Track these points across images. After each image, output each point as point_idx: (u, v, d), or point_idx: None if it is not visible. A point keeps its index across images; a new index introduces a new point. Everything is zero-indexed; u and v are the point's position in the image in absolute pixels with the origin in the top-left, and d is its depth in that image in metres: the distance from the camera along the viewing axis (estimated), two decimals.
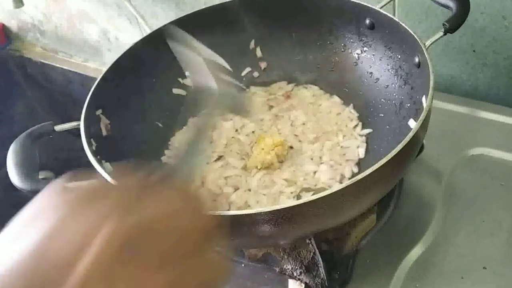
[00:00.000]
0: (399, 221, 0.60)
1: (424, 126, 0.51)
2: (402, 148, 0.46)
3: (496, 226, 0.58)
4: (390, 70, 0.68)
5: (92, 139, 0.57)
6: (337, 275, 0.54)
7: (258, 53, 0.76)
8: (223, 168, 0.64)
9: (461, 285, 0.54)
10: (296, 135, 0.68)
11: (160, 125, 0.71)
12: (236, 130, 0.69)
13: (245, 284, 0.57)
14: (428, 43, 0.57)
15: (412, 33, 0.58)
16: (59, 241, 0.19)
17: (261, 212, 0.44)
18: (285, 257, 0.56)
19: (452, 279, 0.54)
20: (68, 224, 0.19)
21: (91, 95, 0.61)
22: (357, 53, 0.72)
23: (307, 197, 0.44)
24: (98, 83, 0.62)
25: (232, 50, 0.75)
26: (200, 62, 0.35)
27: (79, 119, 0.58)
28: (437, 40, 0.57)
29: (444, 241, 0.57)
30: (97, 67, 1.17)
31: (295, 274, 0.55)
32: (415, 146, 0.52)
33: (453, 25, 0.57)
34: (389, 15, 0.63)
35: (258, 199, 0.60)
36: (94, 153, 0.53)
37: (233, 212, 0.49)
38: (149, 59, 0.70)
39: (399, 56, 0.65)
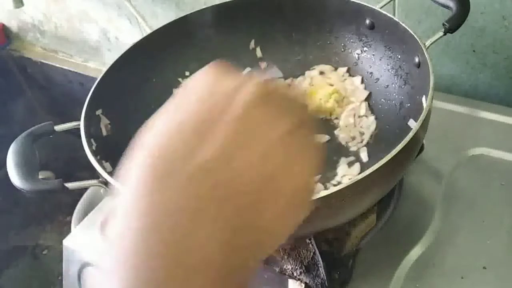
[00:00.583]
0: (399, 221, 0.60)
1: (424, 126, 0.51)
2: (402, 148, 0.46)
3: (496, 226, 0.58)
4: (390, 70, 0.68)
5: (92, 139, 0.57)
6: (337, 275, 0.54)
7: (258, 53, 0.76)
8: None
9: (461, 285, 0.54)
10: None
11: None
12: None
13: None
14: (428, 43, 0.57)
15: (412, 33, 0.58)
16: (218, 88, 0.25)
17: None
18: (285, 257, 0.56)
19: (452, 279, 0.54)
20: (221, 80, 0.26)
21: (91, 95, 0.61)
22: (357, 53, 0.72)
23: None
24: (98, 83, 0.62)
25: (232, 50, 0.75)
26: None
27: (79, 119, 0.58)
28: (437, 40, 0.57)
29: (444, 241, 0.57)
30: (97, 67, 1.17)
31: (295, 274, 0.55)
32: (415, 146, 0.52)
33: (453, 25, 0.57)
34: (389, 15, 0.63)
35: None
36: (94, 153, 0.53)
37: None
38: (149, 59, 0.70)
39: (399, 56, 0.65)
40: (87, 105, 0.59)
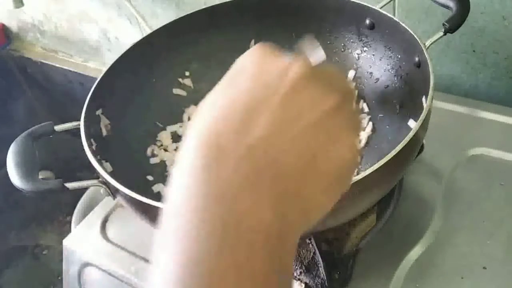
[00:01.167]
0: (399, 221, 0.60)
1: (424, 126, 0.51)
2: (402, 148, 0.46)
3: (496, 226, 0.58)
4: (390, 70, 0.68)
5: (92, 139, 0.57)
6: (337, 275, 0.54)
7: None
8: None
9: (461, 285, 0.54)
10: None
11: (160, 125, 0.71)
12: None
13: None
14: (428, 43, 0.57)
15: (412, 33, 0.58)
16: (268, 68, 0.27)
17: None
18: None
19: (452, 279, 0.54)
20: (270, 60, 0.28)
21: (91, 95, 0.61)
22: (357, 53, 0.72)
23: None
24: (98, 83, 0.62)
25: (232, 50, 0.75)
26: None
27: (79, 119, 0.58)
28: (437, 40, 0.57)
29: (444, 241, 0.58)
30: (97, 67, 1.17)
31: (295, 274, 0.55)
32: (415, 146, 0.52)
33: (453, 25, 0.57)
34: (389, 15, 0.63)
35: None
36: (94, 153, 0.53)
37: None
38: (150, 59, 0.70)
39: (399, 56, 0.65)
40: (87, 105, 0.59)
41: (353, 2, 0.67)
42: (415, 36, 0.58)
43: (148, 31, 0.71)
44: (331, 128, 0.27)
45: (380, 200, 0.54)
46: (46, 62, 1.25)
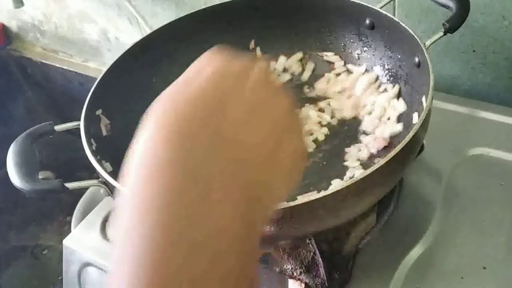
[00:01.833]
0: (399, 221, 0.60)
1: (424, 126, 0.51)
2: (402, 148, 0.46)
3: (496, 226, 0.58)
4: (390, 70, 0.68)
5: (92, 139, 0.57)
6: (337, 275, 0.54)
7: (258, 53, 0.76)
8: None
9: (461, 285, 0.54)
10: None
11: None
12: None
13: None
14: (428, 43, 0.57)
15: (412, 33, 0.58)
16: (226, 70, 0.28)
17: None
18: (285, 257, 0.56)
19: (452, 279, 0.54)
20: (228, 63, 0.29)
21: (91, 95, 0.61)
22: (357, 53, 0.72)
23: (307, 197, 0.44)
24: (98, 83, 0.62)
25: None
26: None
27: (79, 119, 0.58)
28: (437, 40, 0.57)
29: (444, 241, 0.57)
30: (97, 67, 1.17)
31: (295, 274, 0.55)
32: (415, 146, 0.52)
33: (453, 25, 0.57)
34: (389, 15, 0.63)
35: None
36: (94, 153, 0.53)
37: None
38: (149, 59, 0.70)
39: (399, 56, 0.65)
40: (87, 105, 0.59)
41: (353, 2, 0.67)
42: (415, 36, 0.58)
43: (148, 31, 0.71)
44: (289, 124, 0.29)
45: (380, 200, 0.55)
46: (46, 62, 1.25)
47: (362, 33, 0.70)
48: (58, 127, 0.59)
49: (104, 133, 0.62)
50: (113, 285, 0.22)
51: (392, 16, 0.62)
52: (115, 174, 0.51)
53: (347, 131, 0.67)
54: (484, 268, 0.54)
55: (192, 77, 0.28)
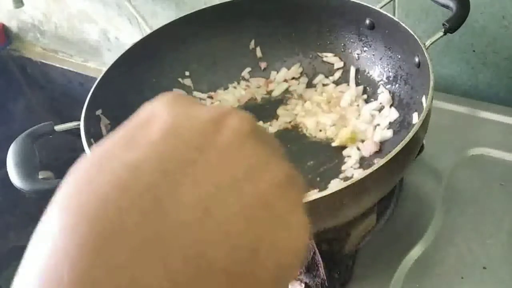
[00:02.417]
0: (399, 221, 0.60)
1: (424, 126, 0.51)
2: (402, 148, 0.46)
3: (496, 226, 0.58)
4: (390, 70, 0.68)
5: (92, 139, 0.57)
6: (337, 275, 0.54)
7: (258, 53, 0.76)
8: None
9: (461, 285, 0.54)
10: None
11: None
12: None
13: None
14: (428, 43, 0.57)
15: (412, 33, 0.58)
16: (188, 122, 0.19)
17: None
18: None
19: (452, 279, 0.54)
20: (190, 112, 0.20)
21: (91, 95, 0.61)
22: (357, 53, 0.72)
23: (307, 197, 0.44)
24: (98, 83, 0.62)
25: (232, 50, 0.75)
26: None
27: (79, 119, 0.58)
28: (437, 40, 0.57)
29: (444, 241, 0.57)
30: (97, 67, 1.17)
31: None
32: (415, 146, 0.52)
33: (453, 25, 0.57)
34: (389, 15, 0.63)
35: None
36: None
37: None
38: (149, 59, 0.70)
39: (399, 56, 0.65)
40: (87, 105, 0.59)
41: (353, 2, 0.67)
42: (415, 36, 0.58)
43: (148, 31, 0.71)
44: (278, 206, 0.19)
45: (380, 200, 0.55)
46: (46, 62, 1.24)
47: (362, 33, 0.70)
48: (58, 127, 0.59)
49: (104, 133, 0.62)
50: None
51: (392, 16, 0.62)
52: None
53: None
54: (484, 268, 0.54)
55: (132, 135, 0.19)
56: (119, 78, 0.65)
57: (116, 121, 0.64)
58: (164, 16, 0.99)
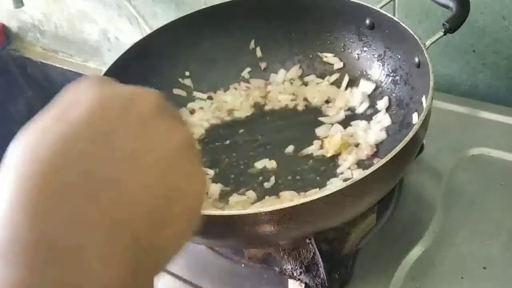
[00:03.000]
0: (399, 221, 0.60)
1: (424, 126, 0.51)
2: (402, 148, 0.46)
3: (496, 226, 0.58)
4: (390, 70, 0.68)
5: None
6: (337, 275, 0.54)
7: (258, 53, 0.76)
8: None
9: (461, 285, 0.54)
10: None
11: None
12: None
13: (245, 284, 0.57)
14: (428, 43, 0.57)
15: (412, 33, 0.58)
16: (109, 99, 0.24)
17: (261, 212, 0.44)
18: (285, 257, 0.56)
19: (452, 279, 0.54)
20: (110, 91, 0.24)
21: None
22: (357, 53, 0.72)
23: (307, 197, 0.44)
24: None
25: (232, 50, 0.75)
26: None
27: None
28: (437, 40, 0.57)
29: (444, 241, 0.57)
30: (97, 67, 1.17)
31: (295, 274, 0.55)
32: (415, 146, 0.52)
33: (453, 25, 0.57)
34: (389, 15, 0.63)
35: None
36: None
37: (233, 212, 0.49)
38: (149, 59, 0.70)
39: (399, 56, 0.65)
40: None
41: (353, 2, 0.67)
42: (415, 36, 0.58)
43: (148, 31, 0.71)
44: (183, 163, 0.24)
45: (380, 200, 0.55)
46: (46, 62, 1.25)
47: (362, 33, 0.70)
48: None
49: None
50: None
51: (392, 16, 0.63)
52: None
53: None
54: (484, 268, 0.54)
55: (63, 111, 0.23)
56: (119, 78, 0.64)
57: None
58: (164, 16, 0.99)
